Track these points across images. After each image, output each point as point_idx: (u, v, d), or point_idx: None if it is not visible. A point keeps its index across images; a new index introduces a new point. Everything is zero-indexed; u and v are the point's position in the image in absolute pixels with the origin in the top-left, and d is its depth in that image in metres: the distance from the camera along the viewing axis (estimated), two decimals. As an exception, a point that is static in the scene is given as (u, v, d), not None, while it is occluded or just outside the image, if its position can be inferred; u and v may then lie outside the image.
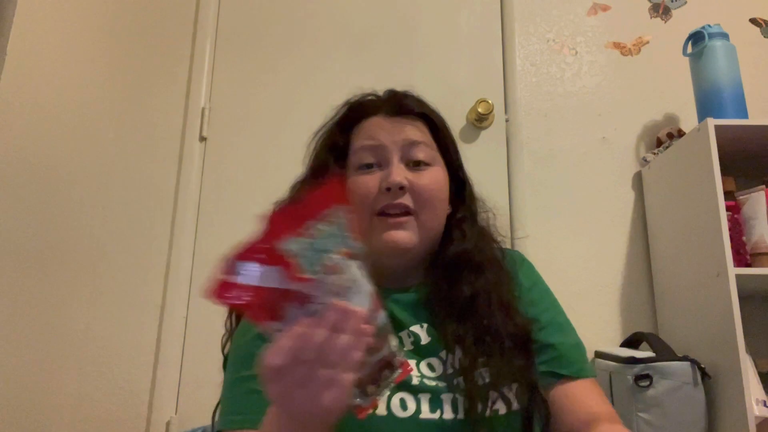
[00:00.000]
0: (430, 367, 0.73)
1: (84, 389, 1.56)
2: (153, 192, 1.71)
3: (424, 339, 0.75)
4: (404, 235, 0.76)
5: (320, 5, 1.88)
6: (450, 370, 0.72)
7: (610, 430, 0.68)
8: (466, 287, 0.76)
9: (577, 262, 1.68)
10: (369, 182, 0.78)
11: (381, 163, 0.79)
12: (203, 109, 1.78)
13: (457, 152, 0.88)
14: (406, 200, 0.76)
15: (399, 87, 0.90)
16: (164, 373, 1.57)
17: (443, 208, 0.81)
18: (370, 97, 0.88)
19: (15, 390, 1.37)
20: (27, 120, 1.41)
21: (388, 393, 0.68)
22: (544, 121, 1.79)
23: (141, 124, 1.77)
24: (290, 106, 1.78)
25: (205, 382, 1.56)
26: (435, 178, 0.80)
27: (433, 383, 0.71)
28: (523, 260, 0.88)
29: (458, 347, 0.73)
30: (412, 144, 0.80)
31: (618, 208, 1.72)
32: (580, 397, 0.74)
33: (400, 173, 0.77)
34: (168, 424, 1.54)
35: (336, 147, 0.83)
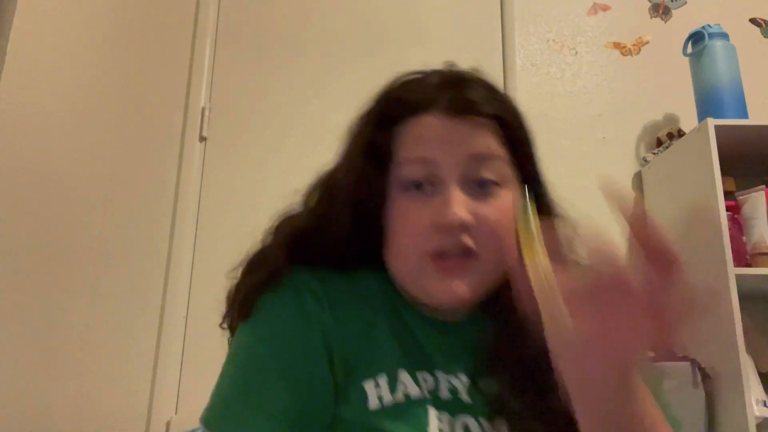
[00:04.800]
0: (466, 430, 0.57)
1: (84, 389, 1.56)
2: (153, 192, 1.71)
3: (464, 398, 0.58)
4: (461, 286, 0.58)
5: (320, 5, 1.88)
6: None
7: None
8: (533, 342, 0.52)
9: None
10: (417, 215, 0.58)
11: (433, 182, 0.59)
12: (203, 109, 1.78)
13: (536, 161, 0.67)
14: (467, 239, 0.57)
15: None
16: (164, 373, 1.57)
17: (514, 243, 0.59)
18: (418, 82, 0.64)
19: (15, 390, 1.36)
20: (27, 120, 1.41)
21: None
22: (544, 121, 1.79)
23: (141, 124, 1.77)
24: (290, 106, 1.78)
25: (205, 382, 1.56)
26: (507, 208, 0.59)
27: None
28: None
29: (505, 424, 0.57)
30: (478, 159, 0.59)
31: (618, 208, 1.71)
32: None
33: (460, 206, 0.56)
34: (168, 424, 1.54)
35: (374, 149, 0.61)
